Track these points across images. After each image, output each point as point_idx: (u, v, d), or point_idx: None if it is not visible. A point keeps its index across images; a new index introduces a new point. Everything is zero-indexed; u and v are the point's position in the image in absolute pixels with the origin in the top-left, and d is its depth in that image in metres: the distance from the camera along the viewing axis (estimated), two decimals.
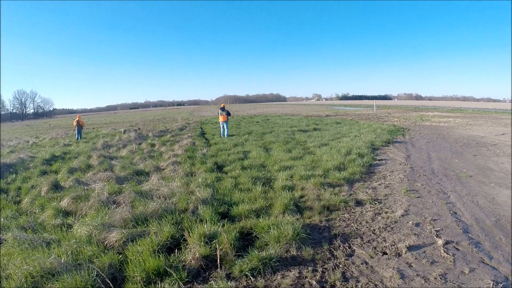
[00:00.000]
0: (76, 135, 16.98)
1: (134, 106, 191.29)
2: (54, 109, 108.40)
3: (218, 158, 8.56)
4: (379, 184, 6.00)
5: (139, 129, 20.17)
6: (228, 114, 13.69)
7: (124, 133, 17.62)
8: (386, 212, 4.59)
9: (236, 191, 5.45)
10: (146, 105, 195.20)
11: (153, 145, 12.03)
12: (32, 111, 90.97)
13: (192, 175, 6.96)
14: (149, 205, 4.71)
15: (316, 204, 4.77)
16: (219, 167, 7.78)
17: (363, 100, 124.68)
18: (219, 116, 13.84)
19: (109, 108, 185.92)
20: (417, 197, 5.26)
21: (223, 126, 13.90)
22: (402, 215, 4.46)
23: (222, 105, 14.07)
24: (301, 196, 5.28)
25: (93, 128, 25.25)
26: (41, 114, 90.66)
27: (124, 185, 6.58)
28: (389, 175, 6.64)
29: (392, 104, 74.18)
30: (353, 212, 4.65)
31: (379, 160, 8.20)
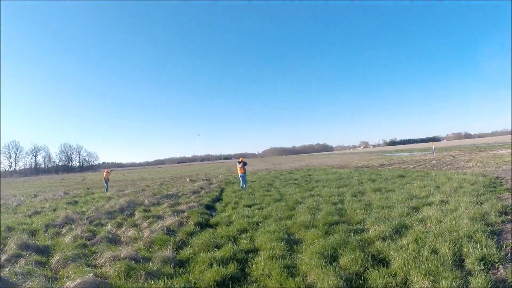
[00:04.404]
0: (106, 187, 18.70)
1: (182, 161, 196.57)
2: (103, 163, 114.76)
3: (176, 281, 4.03)
4: None
5: (145, 188, 16.69)
6: (245, 164, 14.96)
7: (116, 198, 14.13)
8: None
9: None
10: (194, 159, 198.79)
11: (120, 225, 7.94)
12: (78, 164, 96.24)
13: None
14: None
15: None
16: None
17: (412, 144, 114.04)
18: (238, 169, 15.08)
19: (157, 162, 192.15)
20: None
21: (241, 178, 14.97)
22: None
23: (240, 159, 15.29)
24: None
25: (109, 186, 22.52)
26: (87, 167, 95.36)
27: None
28: None
29: (446, 145, 66.09)
30: None
31: None
